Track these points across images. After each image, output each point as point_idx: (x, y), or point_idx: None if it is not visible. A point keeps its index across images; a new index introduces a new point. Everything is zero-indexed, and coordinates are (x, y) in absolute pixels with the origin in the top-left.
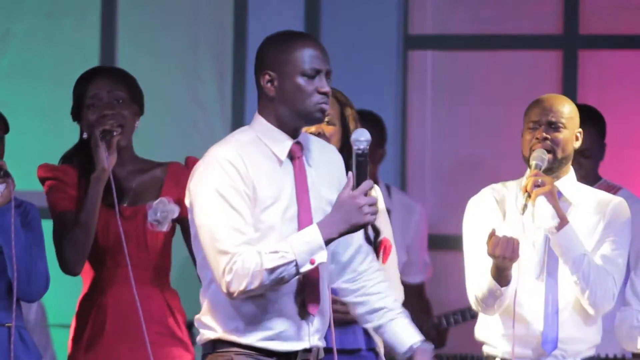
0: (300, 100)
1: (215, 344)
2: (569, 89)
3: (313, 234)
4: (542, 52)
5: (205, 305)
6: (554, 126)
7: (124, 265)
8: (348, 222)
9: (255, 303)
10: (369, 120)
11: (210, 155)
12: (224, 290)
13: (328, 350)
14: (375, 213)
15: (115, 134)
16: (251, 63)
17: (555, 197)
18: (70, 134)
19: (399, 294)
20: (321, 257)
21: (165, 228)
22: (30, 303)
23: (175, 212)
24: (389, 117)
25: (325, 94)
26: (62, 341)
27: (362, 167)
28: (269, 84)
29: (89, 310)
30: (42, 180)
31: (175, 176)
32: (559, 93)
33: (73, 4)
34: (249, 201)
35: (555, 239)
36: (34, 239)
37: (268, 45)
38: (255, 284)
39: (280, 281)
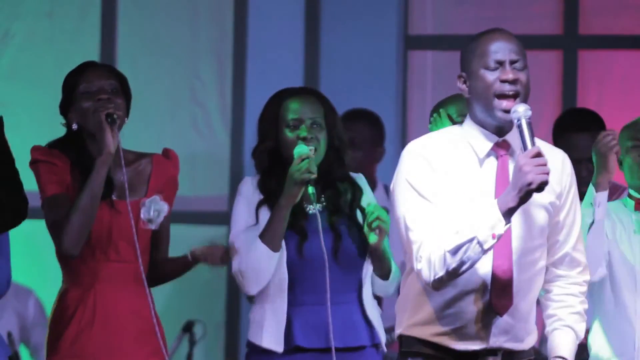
0: (483, 93)
1: (401, 341)
2: (569, 89)
3: (490, 208)
4: (542, 52)
5: (403, 296)
6: None
7: (113, 259)
8: (515, 186)
9: (440, 298)
10: (367, 119)
11: (404, 150)
12: (421, 279)
13: (328, 349)
14: (543, 172)
15: (116, 117)
16: (251, 63)
17: None
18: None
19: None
20: (499, 229)
21: (154, 226)
22: None
23: (165, 210)
24: (389, 117)
25: (505, 81)
26: None
27: (523, 135)
28: (463, 85)
29: (74, 303)
30: (35, 162)
31: (160, 168)
32: (559, 93)
33: (73, 4)
34: (441, 190)
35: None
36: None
37: (463, 49)
38: (442, 269)
39: (469, 262)
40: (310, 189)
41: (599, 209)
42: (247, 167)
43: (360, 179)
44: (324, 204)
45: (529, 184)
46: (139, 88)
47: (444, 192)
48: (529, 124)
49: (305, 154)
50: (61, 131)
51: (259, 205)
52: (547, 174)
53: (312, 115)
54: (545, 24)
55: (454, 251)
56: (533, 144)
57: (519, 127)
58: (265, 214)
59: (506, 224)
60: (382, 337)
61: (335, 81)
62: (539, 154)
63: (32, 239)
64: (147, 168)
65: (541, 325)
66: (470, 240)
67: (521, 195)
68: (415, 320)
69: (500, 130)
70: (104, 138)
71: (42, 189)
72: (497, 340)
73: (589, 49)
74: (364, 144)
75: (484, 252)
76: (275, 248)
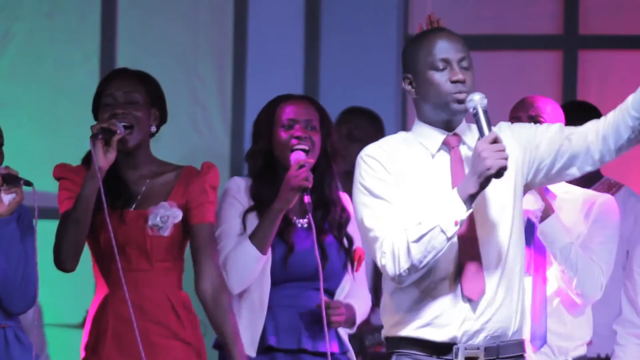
0: (435, 94)
1: (387, 343)
2: (569, 89)
3: (450, 196)
4: (542, 52)
5: (384, 298)
6: (534, 120)
7: (126, 269)
8: (474, 172)
9: (413, 293)
10: (366, 114)
11: (358, 156)
12: (386, 275)
13: (298, 351)
14: (501, 157)
15: (119, 132)
16: (251, 63)
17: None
18: (69, 134)
19: (363, 305)
20: (461, 215)
21: (166, 233)
22: (18, 314)
23: (177, 216)
24: (389, 117)
25: (457, 81)
26: (59, 341)
27: (479, 123)
28: (409, 87)
29: (94, 311)
30: (57, 180)
31: (185, 180)
32: (559, 93)
33: (73, 4)
34: (397, 189)
35: (541, 227)
36: (30, 251)
37: (405, 50)
38: (407, 261)
39: (433, 251)
40: (307, 198)
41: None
42: (247, 167)
43: (347, 199)
44: (311, 222)
45: (488, 169)
46: None
47: (400, 190)
48: (485, 112)
49: (303, 160)
50: (60, 131)
51: (247, 212)
52: (506, 159)
53: (307, 117)
54: (545, 24)
55: (417, 240)
56: (490, 130)
57: (475, 115)
58: (253, 221)
59: (467, 210)
60: (351, 352)
61: (335, 81)
62: (496, 140)
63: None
64: (172, 180)
65: None
66: (433, 228)
67: (481, 180)
68: (397, 319)
69: (449, 125)
70: (94, 153)
71: (59, 206)
72: (474, 324)
73: (589, 49)
74: (362, 137)
75: (448, 239)
76: (263, 251)
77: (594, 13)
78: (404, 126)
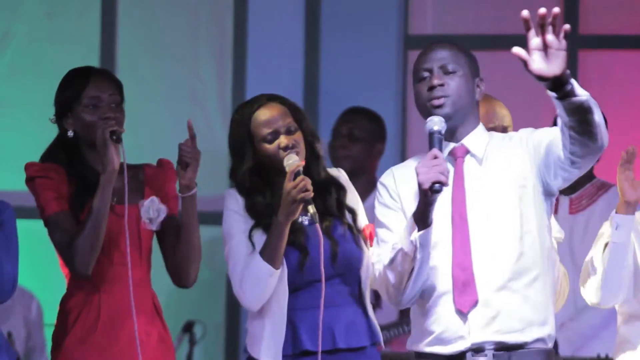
0: (420, 105)
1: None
2: None
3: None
4: None
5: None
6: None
7: (118, 263)
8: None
9: (421, 309)
10: (367, 114)
11: None
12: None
13: (333, 351)
14: (434, 172)
15: (120, 135)
16: (251, 63)
17: None
18: None
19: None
20: (414, 235)
21: (155, 227)
22: None
23: (164, 212)
24: (389, 117)
25: (432, 87)
26: None
27: (431, 145)
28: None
29: (78, 307)
30: (31, 179)
31: (153, 178)
32: None
33: (73, 4)
34: (401, 213)
35: None
36: (3, 240)
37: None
38: (387, 284)
39: (405, 274)
40: (312, 209)
41: (616, 231)
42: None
43: (341, 174)
44: (319, 233)
45: (421, 185)
46: (139, 88)
47: (406, 212)
48: (438, 133)
49: (296, 165)
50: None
51: (252, 229)
52: (442, 173)
53: (284, 122)
54: None
55: (389, 265)
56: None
57: (429, 136)
58: (260, 237)
59: (420, 230)
60: (380, 335)
61: (335, 81)
62: (435, 157)
63: (33, 241)
64: (139, 176)
65: None
66: (398, 251)
67: (420, 194)
68: (414, 335)
69: (454, 135)
70: (107, 155)
71: (42, 207)
72: (479, 335)
73: (589, 49)
74: (362, 137)
75: (414, 259)
76: (276, 265)
77: (594, 13)
78: (404, 126)
